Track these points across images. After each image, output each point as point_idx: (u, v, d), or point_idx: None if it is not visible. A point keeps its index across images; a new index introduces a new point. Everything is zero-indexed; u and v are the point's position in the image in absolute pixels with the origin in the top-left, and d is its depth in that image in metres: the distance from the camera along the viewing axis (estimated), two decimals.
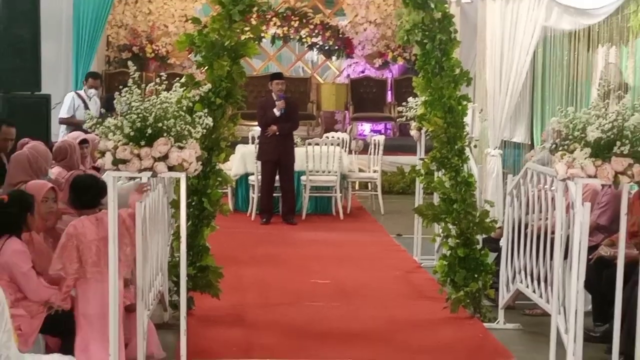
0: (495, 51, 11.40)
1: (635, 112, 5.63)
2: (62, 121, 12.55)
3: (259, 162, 13.08)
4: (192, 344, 6.26)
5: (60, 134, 12.28)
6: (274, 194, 13.17)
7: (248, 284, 9.30)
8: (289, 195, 13.13)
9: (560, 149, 5.76)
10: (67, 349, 5.59)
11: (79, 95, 12.78)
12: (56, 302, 5.76)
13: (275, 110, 12.81)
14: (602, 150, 5.59)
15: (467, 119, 8.58)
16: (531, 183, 7.30)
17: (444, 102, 8.10)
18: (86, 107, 12.54)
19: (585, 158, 5.61)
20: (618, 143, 5.53)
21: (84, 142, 8.85)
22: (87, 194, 5.80)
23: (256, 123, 13.97)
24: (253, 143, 13.41)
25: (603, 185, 7.12)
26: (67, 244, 5.83)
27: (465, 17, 13.53)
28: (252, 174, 13.35)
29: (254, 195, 13.30)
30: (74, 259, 5.82)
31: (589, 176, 5.65)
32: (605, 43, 12.07)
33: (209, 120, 5.68)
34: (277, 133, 12.78)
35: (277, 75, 13.66)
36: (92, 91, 12.99)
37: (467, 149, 8.35)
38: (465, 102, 8.21)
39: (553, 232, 6.49)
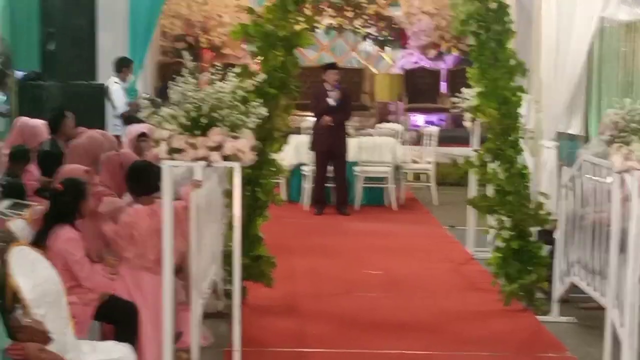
0: (551, 42, 11.26)
1: None
2: (126, 113, 12.14)
3: (312, 153, 13.09)
4: (245, 333, 6.29)
5: (115, 127, 12.26)
6: (327, 185, 13.18)
7: (300, 273, 9.33)
8: (342, 186, 13.12)
9: (617, 141, 5.69)
10: (122, 337, 5.64)
11: (121, 85, 12.71)
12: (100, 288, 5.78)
13: (330, 99, 12.81)
14: None
15: (522, 110, 8.52)
16: (587, 175, 7.23)
17: (499, 93, 8.05)
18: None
19: None
20: None
21: (143, 135, 8.79)
22: (144, 180, 5.83)
23: (310, 113, 13.96)
24: (306, 133, 13.41)
25: None
26: (121, 232, 5.89)
27: (520, 7, 13.38)
28: (305, 164, 13.36)
29: (307, 186, 13.32)
30: (126, 247, 5.88)
31: None
32: None
33: (263, 110, 5.70)
34: (331, 124, 12.78)
35: (332, 65, 13.64)
36: (132, 77, 12.99)
37: (521, 141, 8.30)
38: (520, 94, 8.17)
39: (609, 225, 6.43)
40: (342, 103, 12.94)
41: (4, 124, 12.38)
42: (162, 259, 5.55)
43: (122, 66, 12.75)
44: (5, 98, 11.44)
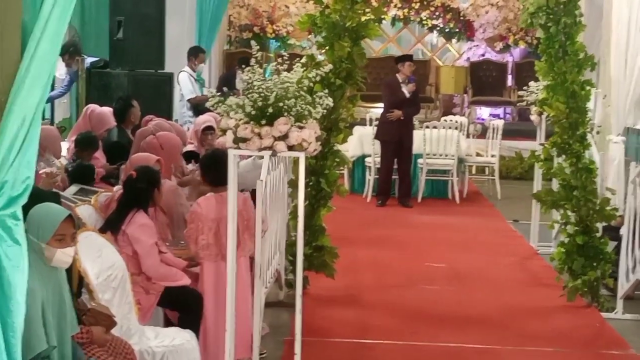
0: (621, 36, 11.12)
1: None
2: (193, 101, 12.37)
3: (377, 143, 13.07)
4: (307, 322, 6.31)
5: (183, 116, 12.37)
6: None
7: (363, 265, 9.33)
8: (406, 178, 13.09)
9: None
10: (186, 323, 5.70)
11: (189, 74, 12.81)
12: (161, 282, 5.82)
13: (405, 91, 12.79)
14: None
15: (590, 105, 8.42)
16: None
17: (567, 87, 7.97)
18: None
19: None
20: None
21: (209, 128, 8.82)
22: (219, 170, 5.84)
23: (375, 105, 13.94)
24: (371, 125, 13.40)
25: None
26: (190, 223, 5.96)
27: (590, 0, 13.25)
28: (369, 155, 13.35)
29: (370, 177, 13.31)
30: (193, 238, 5.94)
31: None
32: None
33: (329, 101, 5.70)
34: (402, 118, 12.77)
35: (408, 57, 13.60)
36: (202, 66, 13.09)
37: (589, 135, 8.21)
38: (588, 88, 8.07)
39: None
40: (414, 95, 12.95)
41: (69, 110, 12.58)
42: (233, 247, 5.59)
43: (190, 55, 12.88)
44: (67, 78, 11.63)
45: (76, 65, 11.57)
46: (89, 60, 11.89)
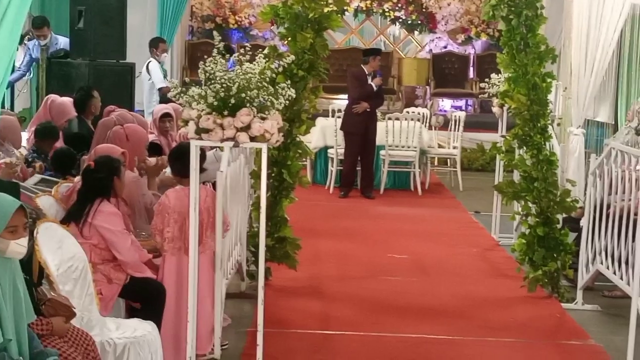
0: (581, 28, 11.19)
1: None
2: (165, 90, 12.29)
3: (340, 135, 13.08)
4: (269, 314, 6.31)
5: (152, 105, 12.32)
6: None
7: (325, 256, 9.34)
8: (369, 169, 13.12)
9: None
10: (147, 315, 5.67)
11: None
12: (131, 270, 5.79)
13: (373, 84, 12.84)
14: None
15: (551, 97, 8.48)
16: (615, 163, 7.19)
17: (528, 79, 8.01)
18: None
19: None
20: None
21: (166, 115, 8.83)
22: (185, 162, 5.78)
23: (337, 96, 13.94)
24: (334, 116, 13.40)
25: None
26: (157, 215, 5.93)
27: None
28: (332, 147, 13.36)
29: (333, 168, 13.32)
30: (159, 230, 5.92)
31: None
32: None
33: (292, 92, 5.69)
34: (368, 109, 12.80)
35: (378, 51, 13.70)
36: (165, 56, 13.09)
37: (549, 127, 8.26)
38: (549, 80, 8.12)
39: (636, 214, 6.40)
40: (380, 88, 13.02)
41: (29, 100, 12.50)
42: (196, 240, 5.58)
43: (151, 46, 12.87)
44: (26, 58, 11.61)
45: (48, 38, 11.60)
46: (60, 40, 11.85)
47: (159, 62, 12.83)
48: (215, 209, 5.89)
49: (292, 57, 6.87)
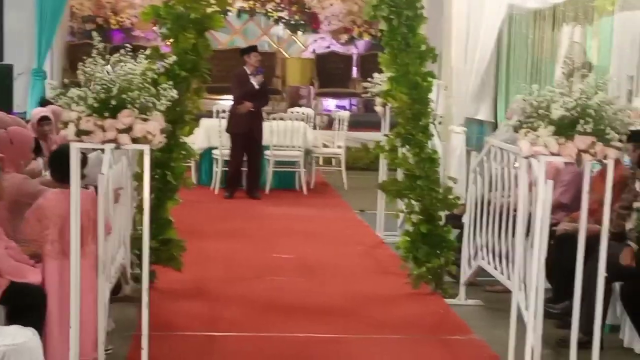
0: (461, 28, 11.41)
1: (598, 91, 5.65)
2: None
3: (225, 135, 13.04)
4: (154, 317, 6.25)
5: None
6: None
7: (211, 258, 9.29)
8: (255, 170, 13.11)
9: (524, 126, 5.77)
10: (28, 321, 5.55)
11: None
12: (9, 276, 5.66)
13: (254, 83, 12.80)
14: (565, 129, 5.60)
15: (432, 96, 8.60)
16: (495, 160, 7.33)
17: (410, 79, 8.11)
18: None
19: (549, 136, 5.63)
20: (581, 121, 5.55)
21: (44, 119, 8.69)
22: (64, 166, 5.67)
23: (222, 97, 13.88)
24: (217, 117, 13.34)
25: (566, 164, 7.18)
26: (35, 218, 5.80)
27: None
28: (216, 147, 13.30)
29: (218, 169, 13.26)
30: (38, 233, 5.80)
31: (553, 154, 5.67)
32: (570, 22, 12.11)
33: (174, 93, 5.65)
34: (252, 109, 12.77)
35: (254, 48, 13.59)
36: None
37: (431, 126, 8.37)
38: (430, 79, 8.24)
39: (515, 210, 6.53)
40: (263, 87, 12.98)
41: None
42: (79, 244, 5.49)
43: None
44: None
45: None
46: None
47: None
48: (96, 212, 5.79)
49: (175, 57, 6.83)
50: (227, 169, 13.13)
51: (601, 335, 6.03)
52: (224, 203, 12.66)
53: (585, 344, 6.07)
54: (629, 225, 6.86)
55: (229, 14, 18.93)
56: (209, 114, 13.78)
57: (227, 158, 13.10)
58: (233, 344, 6.79)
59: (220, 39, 19.51)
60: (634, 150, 7.08)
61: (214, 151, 13.42)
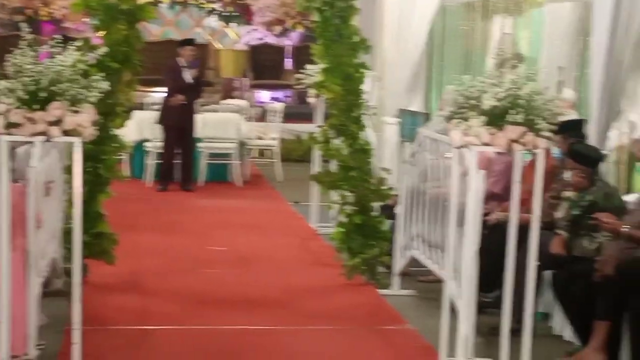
0: (393, 20, 11.46)
1: (528, 82, 5.71)
2: None
3: (160, 128, 12.95)
4: (86, 311, 6.18)
5: None
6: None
7: (144, 251, 9.23)
8: (188, 162, 13.05)
9: (456, 117, 5.81)
10: None
11: None
12: None
13: (188, 76, 12.74)
14: (496, 119, 5.65)
15: (365, 87, 8.62)
16: (427, 151, 7.38)
17: (342, 70, 8.13)
18: None
19: (480, 126, 5.67)
20: (512, 111, 5.60)
21: None
22: None
23: (154, 89, 13.78)
24: (149, 109, 13.25)
25: (498, 154, 7.24)
26: None
27: None
28: (149, 140, 13.21)
29: (150, 162, 13.17)
30: None
31: (484, 144, 5.72)
32: (501, 13, 12.23)
33: (105, 85, 5.59)
34: (185, 102, 12.70)
35: (190, 41, 13.55)
36: None
37: (365, 117, 8.40)
38: (363, 70, 8.26)
39: (447, 200, 6.57)
40: (197, 80, 12.93)
41: None
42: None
43: None
44: None
45: None
46: None
47: None
48: (25, 206, 5.72)
49: (106, 49, 6.77)
50: (160, 161, 13.05)
51: (533, 323, 6.10)
52: (158, 196, 12.59)
53: (516, 332, 6.14)
54: (558, 214, 6.96)
55: (162, 5, 18.81)
56: (141, 106, 13.69)
57: (160, 151, 13.02)
58: (167, 337, 6.75)
59: (152, 31, 19.37)
60: (564, 140, 7.17)
61: (146, 144, 13.32)
